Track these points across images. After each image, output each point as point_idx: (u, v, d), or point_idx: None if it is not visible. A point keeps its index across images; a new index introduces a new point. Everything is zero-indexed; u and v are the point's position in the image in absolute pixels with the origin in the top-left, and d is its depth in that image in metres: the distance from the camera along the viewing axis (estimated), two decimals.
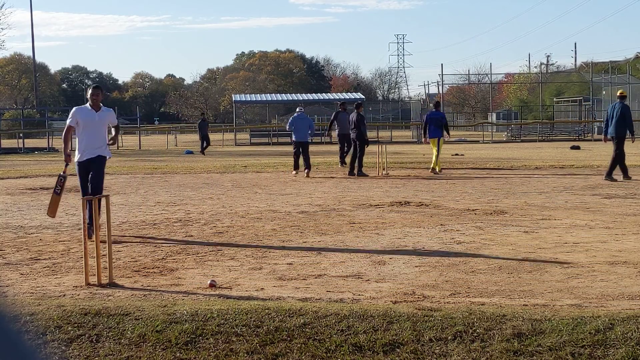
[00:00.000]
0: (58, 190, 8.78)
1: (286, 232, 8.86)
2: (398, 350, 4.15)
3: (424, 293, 5.65)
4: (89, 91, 8.85)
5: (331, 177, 17.07)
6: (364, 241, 8.11)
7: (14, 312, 4.91)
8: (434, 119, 17.87)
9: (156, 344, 4.30)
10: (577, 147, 29.93)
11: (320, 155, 26.31)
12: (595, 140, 39.72)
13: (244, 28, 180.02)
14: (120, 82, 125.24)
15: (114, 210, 10.68)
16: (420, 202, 11.67)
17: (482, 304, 5.19)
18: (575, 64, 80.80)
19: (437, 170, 17.61)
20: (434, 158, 17.79)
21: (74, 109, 8.88)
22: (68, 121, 8.77)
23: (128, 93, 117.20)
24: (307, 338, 4.35)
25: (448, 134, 18.62)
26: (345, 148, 19.73)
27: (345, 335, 4.38)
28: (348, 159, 18.53)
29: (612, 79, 48.01)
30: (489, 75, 50.97)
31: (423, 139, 18.87)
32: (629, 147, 16.48)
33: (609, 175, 14.97)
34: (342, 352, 4.13)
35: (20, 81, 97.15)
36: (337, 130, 20.11)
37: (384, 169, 17.65)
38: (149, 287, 6.04)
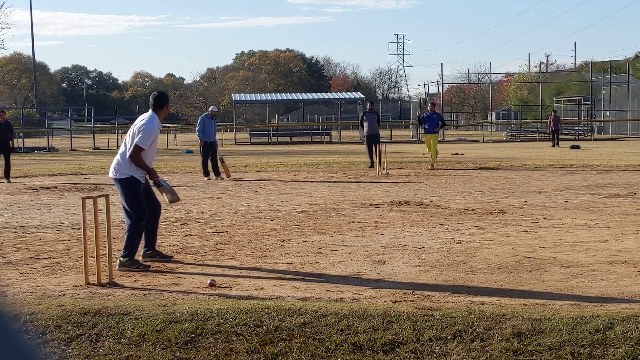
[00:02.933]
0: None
1: (286, 232, 8.85)
2: (398, 349, 4.15)
3: (424, 293, 5.65)
4: None
5: (330, 177, 17.07)
6: (363, 241, 8.11)
7: (14, 311, 4.91)
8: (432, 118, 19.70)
9: (156, 343, 4.30)
10: (577, 147, 29.90)
11: (320, 155, 26.30)
12: (595, 139, 39.73)
13: (243, 28, 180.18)
14: (120, 81, 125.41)
15: (114, 210, 10.66)
16: (420, 202, 11.67)
17: (482, 304, 5.19)
18: (575, 64, 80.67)
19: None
20: (434, 153, 19.34)
21: None
22: None
23: (128, 92, 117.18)
24: (307, 337, 4.35)
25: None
26: (374, 149, 19.38)
27: (345, 335, 4.38)
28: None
29: (611, 78, 47.99)
30: (489, 75, 50.99)
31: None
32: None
33: None
34: (341, 352, 4.13)
35: (20, 80, 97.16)
36: (365, 131, 20.00)
37: (383, 169, 17.64)
38: (148, 287, 6.04)
